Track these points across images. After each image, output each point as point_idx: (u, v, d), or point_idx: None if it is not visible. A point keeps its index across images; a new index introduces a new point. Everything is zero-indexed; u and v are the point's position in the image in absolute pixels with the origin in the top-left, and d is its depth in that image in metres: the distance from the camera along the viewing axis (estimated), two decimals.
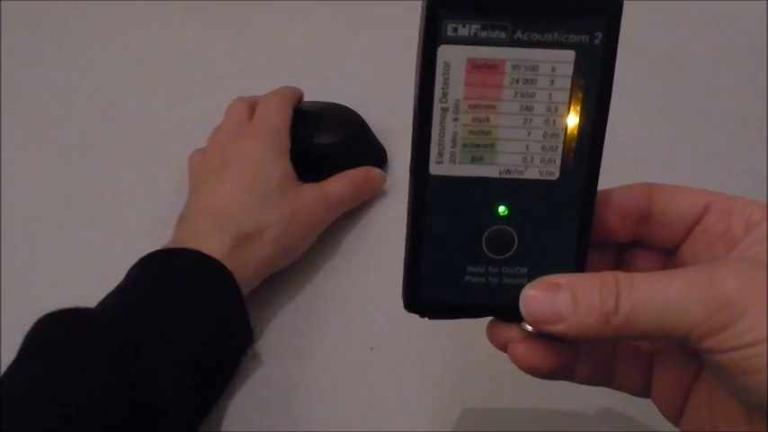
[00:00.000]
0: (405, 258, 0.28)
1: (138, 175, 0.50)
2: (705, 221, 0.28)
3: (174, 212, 0.48)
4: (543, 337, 0.26)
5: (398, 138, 0.51)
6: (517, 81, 0.26)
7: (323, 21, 0.62)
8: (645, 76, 0.57)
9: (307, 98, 0.54)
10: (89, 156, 0.52)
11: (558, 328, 0.25)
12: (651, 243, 0.30)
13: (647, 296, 0.24)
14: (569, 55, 0.26)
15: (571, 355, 0.28)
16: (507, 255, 0.27)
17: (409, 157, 0.27)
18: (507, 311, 0.27)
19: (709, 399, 0.28)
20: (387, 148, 0.51)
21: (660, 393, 0.30)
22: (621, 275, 0.25)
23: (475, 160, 0.27)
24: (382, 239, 0.47)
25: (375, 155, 0.50)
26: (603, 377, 0.30)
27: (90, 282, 0.44)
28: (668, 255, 0.30)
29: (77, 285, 0.44)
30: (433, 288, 0.28)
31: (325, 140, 0.48)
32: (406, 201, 0.27)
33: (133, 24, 0.62)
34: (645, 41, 0.59)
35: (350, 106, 0.51)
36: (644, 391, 0.30)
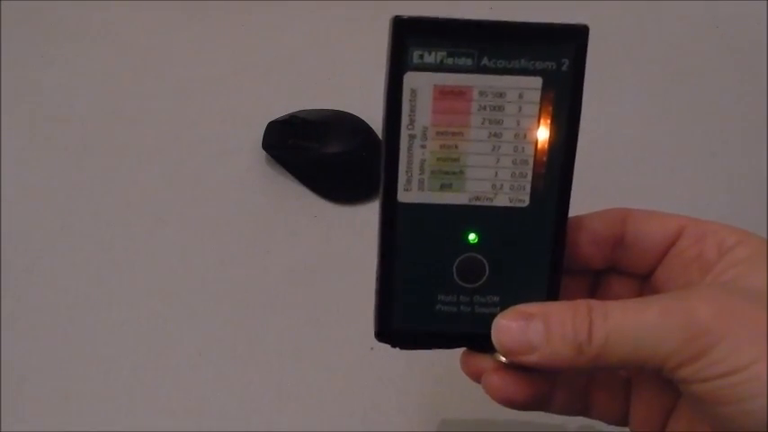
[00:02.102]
0: (376, 286, 0.28)
1: (138, 174, 0.50)
2: (678, 246, 0.28)
3: (173, 212, 0.48)
4: (517, 367, 0.26)
5: None
6: (485, 108, 0.26)
7: (323, 21, 0.62)
8: (645, 76, 0.57)
9: (307, 99, 0.54)
10: (89, 156, 0.52)
11: (532, 358, 0.25)
12: (626, 269, 0.29)
13: (621, 325, 0.24)
14: (536, 81, 0.26)
15: (546, 386, 0.28)
16: (479, 283, 0.27)
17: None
18: (480, 341, 0.27)
19: (688, 427, 0.27)
20: None
21: (638, 422, 0.29)
22: (595, 303, 0.24)
23: (444, 187, 0.27)
24: None
25: None
26: (580, 407, 0.30)
27: (90, 282, 0.44)
28: (643, 280, 0.29)
29: (77, 285, 0.44)
30: (404, 317, 0.28)
31: (332, 150, 0.48)
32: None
33: (133, 24, 0.62)
34: (645, 41, 0.59)
35: (350, 107, 0.51)
36: (621, 419, 0.30)
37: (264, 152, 0.50)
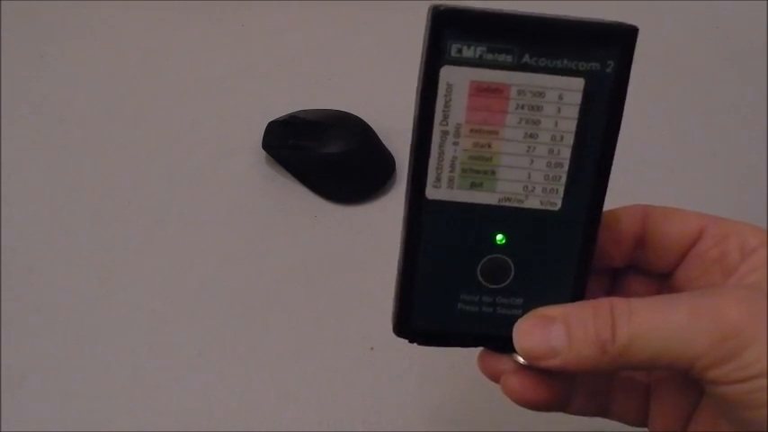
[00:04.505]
0: (396, 282, 0.27)
1: (138, 174, 0.50)
2: (700, 246, 0.27)
3: (173, 212, 0.48)
4: (537, 368, 0.26)
5: (404, 142, 0.51)
6: (522, 107, 0.25)
7: (323, 21, 0.62)
8: (645, 76, 0.57)
9: (307, 99, 0.54)
10: (89, 156, 0.52)
11: (554, 362, 0.24)
12: (645, 267, 0.29)
13: (648, 324, 0.23)
14: (578, 83, 0.25)
15: (566, 387, 0.28)
16: (502, 285, 0.27)
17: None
18: (500, 342, 0.26)
19: (710, 430, 0.27)
20: (393, 153, 0.51)
21: (658, 424, 0.29)
22: (617, 302, 0.24)
23: (474, 186, 0.26)
24: (384, 241, 0.47)
25: (383, 162, 0.50)
26: (599, 408, 0.29)
27: (90, 282, 0.44)
28: (663, 279, 0.29)
29: (77, 285, 0.44)
30: (424, 314, 0.27)
31: (332, 150, 0.48)
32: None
33: (133, 24, 0.62)
34: (645, 41, 0.59)
35: (350, 107, 0.51)
36: (641, 421, 0.30)
37: (264, 152, 0.50)
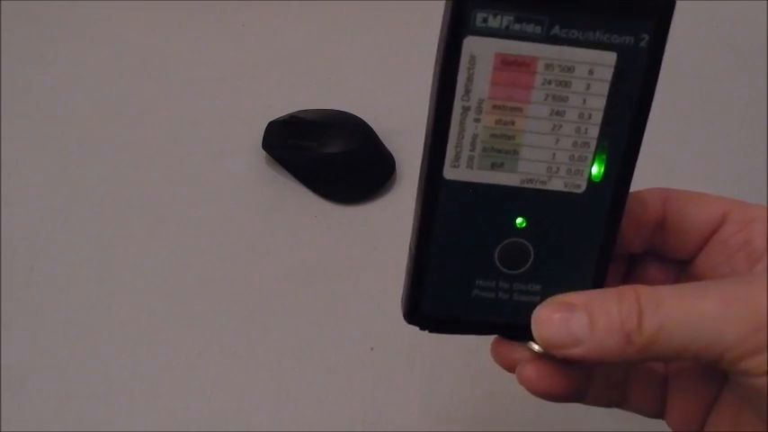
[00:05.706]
0: (408, 265, 0.26)
1: (138, 174, 0.50)
2: (723, 232, 0.26)
3: (173, 212, 0.48)
4: (553, 357, 0.25)
5: (404, 142, 0.51)
6: (549, 82, 0.23)
7: (323, 21, 0.62)
8: None
9: (307, 99, 0.54)
10: (89, 156, 0.52)
11: (575, 351, 0.23)
12: (665, 253, 0.28)
13: (677, 313, 0.22)
14: (610, 57, 0.23)
15: (584, 377, 0.26)
16: (521, 270, 0.25)
17: (420, 159, 0.25)
18: (516, 330, 0.25)
19: (731, 423, 0.26)
20: (393, 153, 0.51)
21: (676, 416, 0.28)
22: (643, 290, 0.23)
23: (495, 166, 0.24)
24: (384, 241, 0.47)
25: (383, 162, 0.50)
26: (616, 399, 0.29)
27: (90, 282, 0.44)
28: (682, 266, 0.28)
29: (77, 285, 0.44)
30: (437, 300, 0.26)
31: (332, 150, 0.48)
32: (413, 205, 0.26)
33: (133, 24, 0.62)
34: None
35: (350, 107, 0.51)
36: (658, 413, 0.29)
37: (264, 152, 0.50)
